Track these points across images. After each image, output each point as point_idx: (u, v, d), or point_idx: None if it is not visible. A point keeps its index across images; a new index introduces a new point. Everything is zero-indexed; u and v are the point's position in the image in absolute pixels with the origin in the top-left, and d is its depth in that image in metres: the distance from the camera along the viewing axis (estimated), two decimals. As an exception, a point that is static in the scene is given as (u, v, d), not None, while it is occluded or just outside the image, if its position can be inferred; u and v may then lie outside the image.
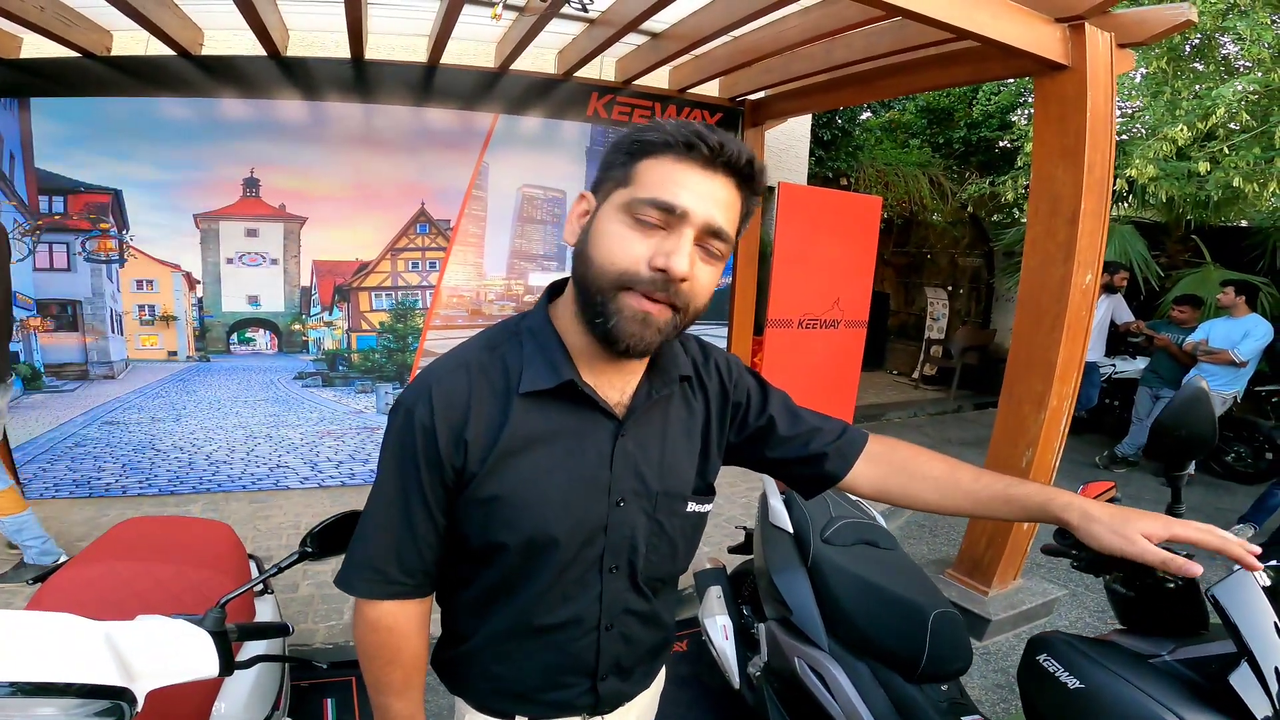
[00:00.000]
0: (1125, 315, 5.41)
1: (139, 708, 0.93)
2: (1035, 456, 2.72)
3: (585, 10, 2.34)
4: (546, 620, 0.89)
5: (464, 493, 0.84)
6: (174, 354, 3.87)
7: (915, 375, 8.57)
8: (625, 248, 0.74)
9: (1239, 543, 0.84)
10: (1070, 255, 2.58)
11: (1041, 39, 2.49)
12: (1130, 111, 6.39)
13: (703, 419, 0.96)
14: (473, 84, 3.88)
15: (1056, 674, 1.16)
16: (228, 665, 1.07)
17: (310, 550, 1.27)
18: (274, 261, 3.90)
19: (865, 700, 1.66)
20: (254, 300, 3.95)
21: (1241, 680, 0.97)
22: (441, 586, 0.95)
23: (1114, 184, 4.93)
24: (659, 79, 4.12)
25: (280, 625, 1.29)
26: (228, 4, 2.75)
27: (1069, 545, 0.98)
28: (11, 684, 0.82)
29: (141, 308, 3.74)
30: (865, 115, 9.00)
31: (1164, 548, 0.84)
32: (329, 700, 2.38)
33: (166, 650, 1.02)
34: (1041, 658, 1.21)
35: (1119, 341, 5.63)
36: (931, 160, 7.87)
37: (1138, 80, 5.55)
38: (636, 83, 4.04)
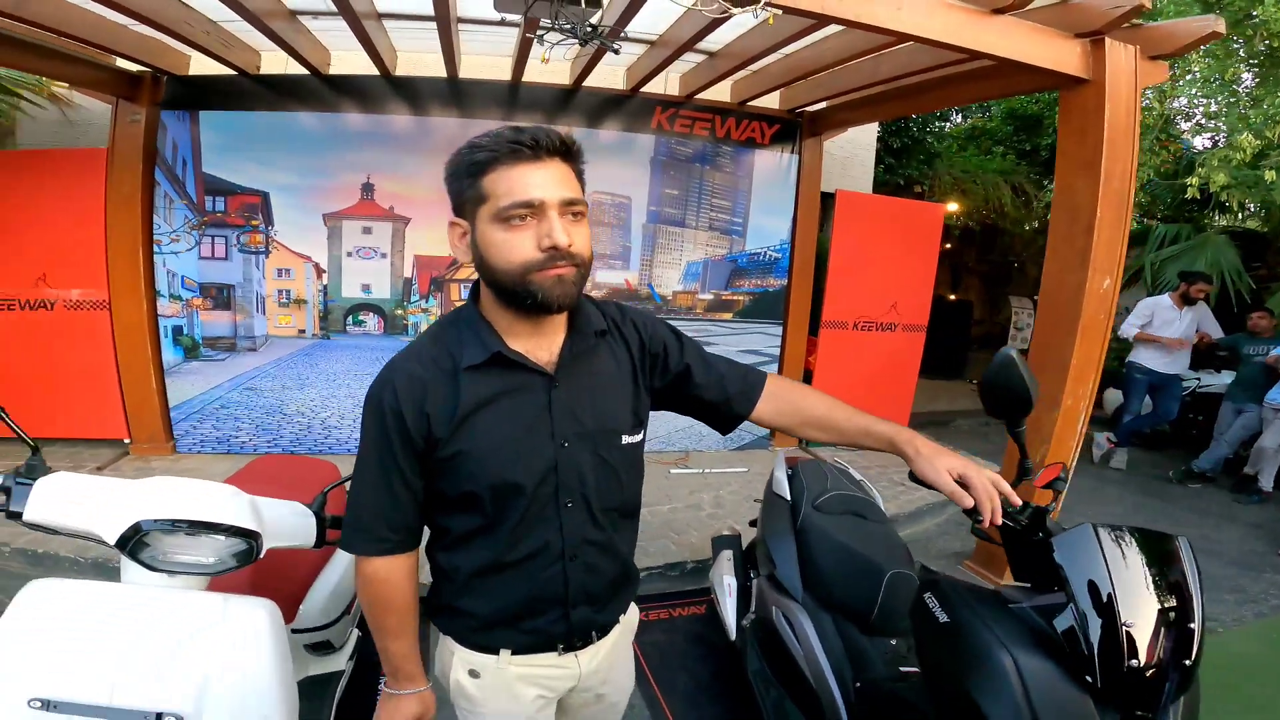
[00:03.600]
0: (1211, 327, 5.15)
1: (263, 553, 1.27)
2: (1048, 453, 2.83)
3: (617, 52, 2.71)
4: (518, 554, 1.06)
5: (434, 454, 1.01)
6: (303, 332, 4.54)
7: (994, 385, 8.31)
8: (515, 247, 0.93)
9: (990, 493, 1.04)
10: (1086, 261, 2.68)
11: (1060, 55, 2.60)
12: (1200, 121, 6.00)
13: (629, 366, 1.14)
14: (550, 99, 4.30)
15: (933, 609, 1.31)
16: (320, 541, 1.51)
17: None
18: (383, 255, 4.50)
19: (824, 645, 1.85)
20: (366, 288, 4.55)
21: (1064, 624, 1.11)
22: (429, 540, 1.15)
23: (1186, 192, 4.77)
24: (721, 92, 4.37)
25: None
26: (349, 28, 3.16)
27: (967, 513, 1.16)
28: (181, 520, 1.17)
29: (280, 292, 4.43)
30: (946, 124, 8.81)
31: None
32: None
33: (287, 522, 1.44)
34: (926, 595, 1.36)
35: (1207, 355, 5.36)
36: (1016, 167, 7.65)
37: (1216, 85, 5.24)
38: (699, 96, 4.31)
